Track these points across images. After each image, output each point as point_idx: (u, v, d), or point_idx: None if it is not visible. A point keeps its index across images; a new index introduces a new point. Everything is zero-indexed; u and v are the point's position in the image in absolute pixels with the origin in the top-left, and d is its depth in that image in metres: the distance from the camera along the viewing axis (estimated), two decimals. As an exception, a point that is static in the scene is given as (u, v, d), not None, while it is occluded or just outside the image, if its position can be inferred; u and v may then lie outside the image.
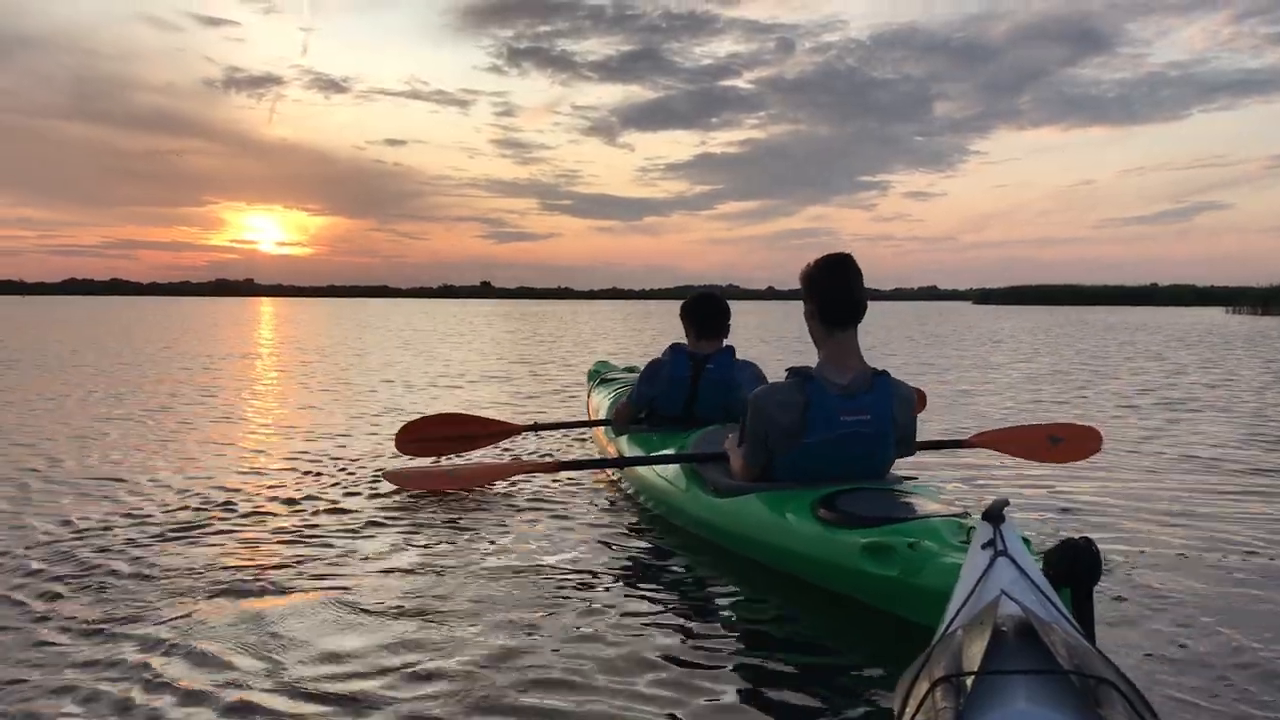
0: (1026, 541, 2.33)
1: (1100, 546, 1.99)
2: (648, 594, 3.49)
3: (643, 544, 4.25)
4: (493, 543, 4.20)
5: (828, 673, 2.77)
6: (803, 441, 3.56)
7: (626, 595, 3.47)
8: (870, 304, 3.76)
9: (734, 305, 5.64)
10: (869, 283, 3.79)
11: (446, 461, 5.81)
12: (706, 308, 5.43)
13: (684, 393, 5.28)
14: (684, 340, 5.52)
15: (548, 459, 6.07)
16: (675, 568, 3.87)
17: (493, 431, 6.15)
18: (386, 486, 5.08)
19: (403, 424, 6.06)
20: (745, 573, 3.70)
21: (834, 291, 3.61)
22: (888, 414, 3.57)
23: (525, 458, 6.19)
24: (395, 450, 5.85)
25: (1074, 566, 1.90)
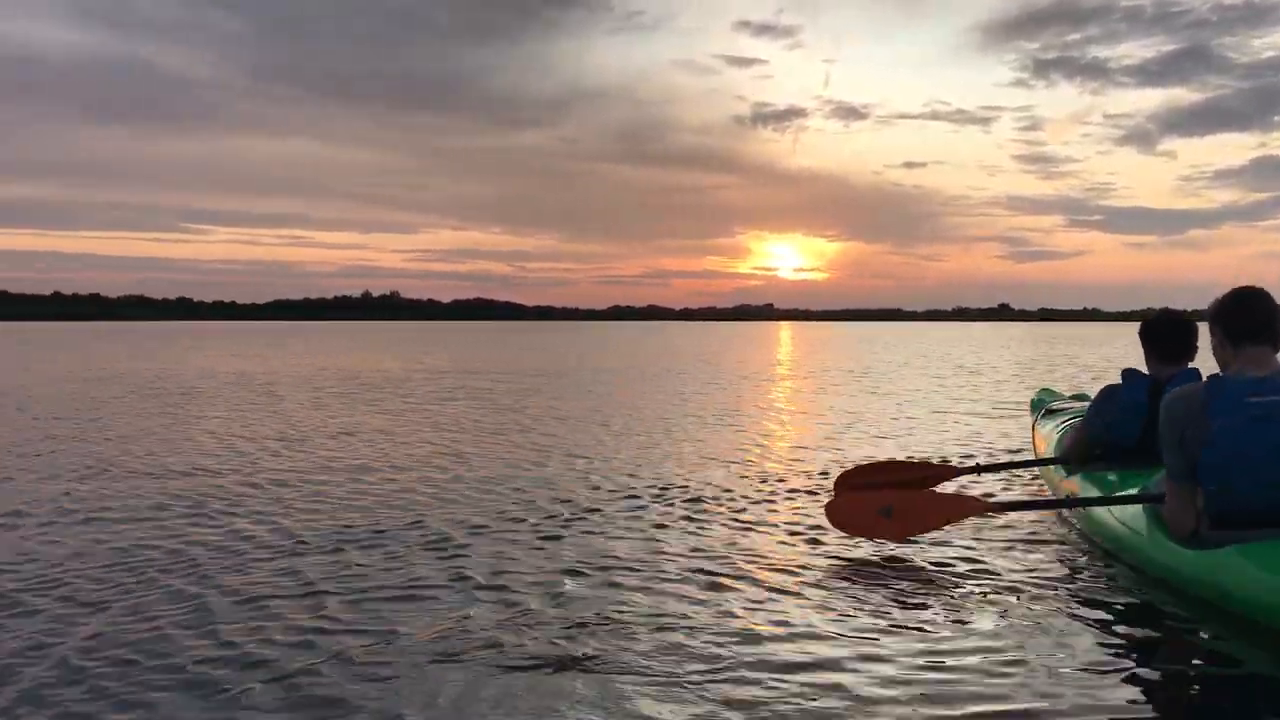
0: None
1: None
2: (1108, 648, 3.22)
3: (1097, 594, 3.84)
4: (929, 594, 3.92)
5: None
6: (1210, 429, 3.33)
7: (1079, 650, 3.20)
8: None
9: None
10: None
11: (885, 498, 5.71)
12: (1166, 328, 4.90)
13: (1140, 422, 4.72)
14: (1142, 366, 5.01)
15: (990, 499, 5.64)
16: (1135, 623, 3.53)
17: (934, 475, 5.91)
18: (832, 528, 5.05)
19: (842, 471, 6.07)
20: (1218, 630, 3.33)
21: (1239, 314, 3.50)
22: None
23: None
24: (848, 501, 5.78)
25: None
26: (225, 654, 3.20)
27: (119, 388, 15.64)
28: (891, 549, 4.59)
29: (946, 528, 4.98)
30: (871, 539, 4.83)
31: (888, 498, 5.01)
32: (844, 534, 4.92)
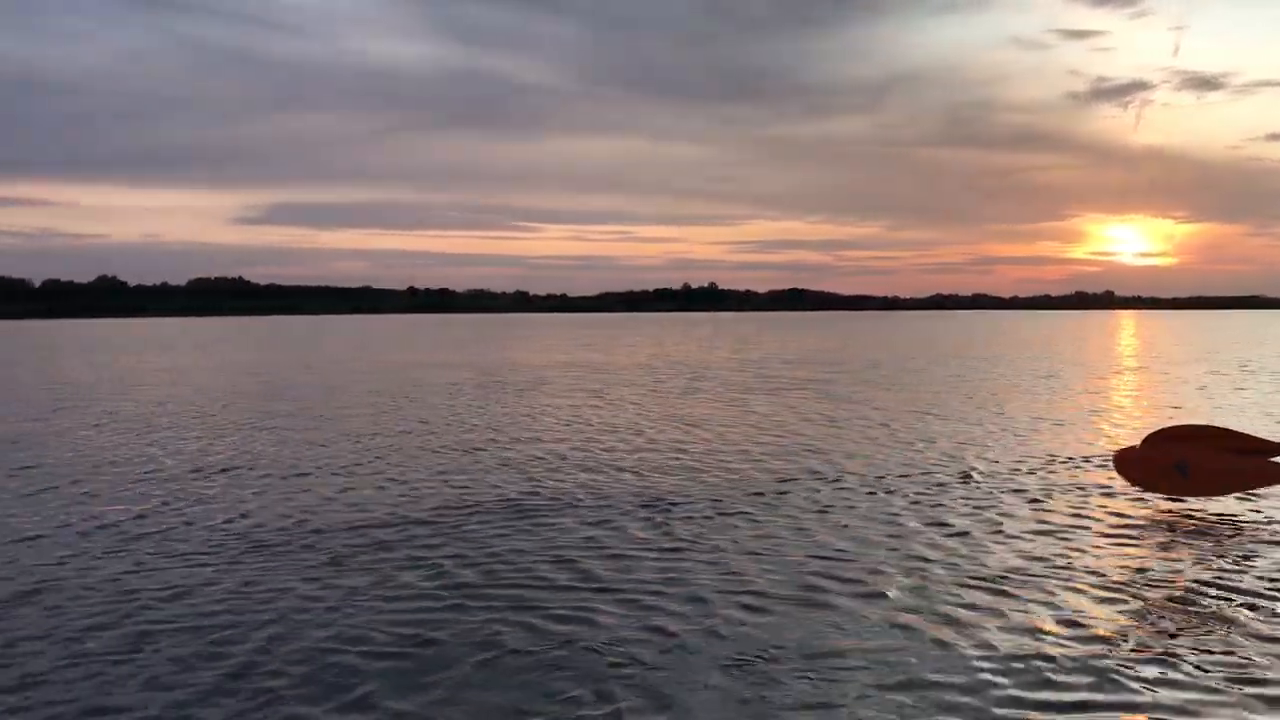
0: None
1: None
2: None
3: None
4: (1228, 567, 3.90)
5: None
6: None
7: None
8: None
9: None
10: None
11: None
12: None
13: None
14: None
15: None
16: None
17: (1248, 448, 5.48)
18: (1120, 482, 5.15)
19: (1151, 430, 5.83)
20: None
21: None
22: None
23: None
24: (1140, 453, 5.59)
25: None
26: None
27: (471, 373, 17.19)
28: (1190, 532, 4.38)
29: (1254, 494, 4.76)
30: (1160, 493, 4.74)
31: (1184, 452, 4.84)
32: (1137, 489, 4.84)
